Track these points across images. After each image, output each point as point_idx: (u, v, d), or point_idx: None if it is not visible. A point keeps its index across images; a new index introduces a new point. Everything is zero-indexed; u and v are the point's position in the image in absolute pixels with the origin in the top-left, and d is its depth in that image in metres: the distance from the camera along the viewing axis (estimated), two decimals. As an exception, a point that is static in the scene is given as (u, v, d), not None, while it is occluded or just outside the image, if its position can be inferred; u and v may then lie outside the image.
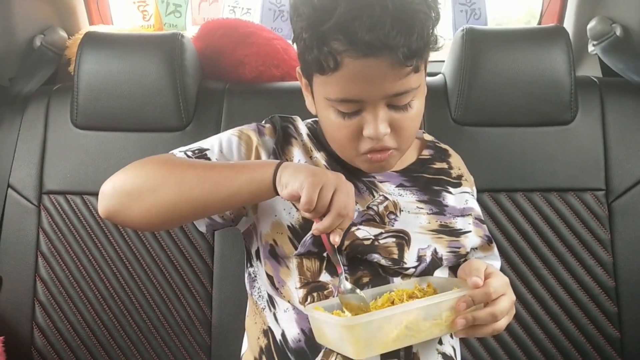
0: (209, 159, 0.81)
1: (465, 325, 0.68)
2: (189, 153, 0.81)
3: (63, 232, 1.12)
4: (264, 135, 0.84)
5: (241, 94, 1.19)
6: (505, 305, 0.70)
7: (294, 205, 0.77)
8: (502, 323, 0.71)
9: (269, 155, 0.82)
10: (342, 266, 0.72)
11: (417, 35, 0.69)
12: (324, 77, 0.72)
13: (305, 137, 0.85)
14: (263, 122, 0.88)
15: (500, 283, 0.71)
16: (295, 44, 0.76)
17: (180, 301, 1.08)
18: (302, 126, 0.87)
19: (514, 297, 0.73)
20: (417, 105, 0.76)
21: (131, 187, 0.75)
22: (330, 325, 0.67)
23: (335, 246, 0.70)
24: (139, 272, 1.09)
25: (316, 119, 0.90)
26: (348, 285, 0.72)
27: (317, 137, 0.86)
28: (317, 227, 0.69)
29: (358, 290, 0.71)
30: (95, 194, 1.11)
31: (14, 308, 1.09)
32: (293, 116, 0.89)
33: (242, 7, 1.48)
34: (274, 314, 0.80)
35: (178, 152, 0.82)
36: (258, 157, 0.82)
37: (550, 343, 1.05)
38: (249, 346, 0.83)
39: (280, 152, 0.83)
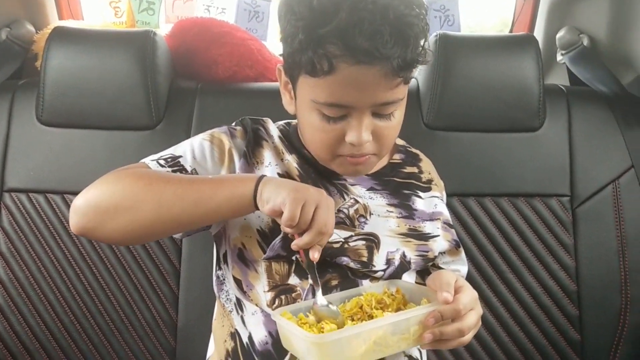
0: (182, 166, 0.79)
1: (432, 339, 0.68)
2: (162, 162, 0.79)
3: (24, 232, 1.08)
4: (235, 137, 0.83)
5: (214, 93, 1.18)
6: (472, 320, 0.71)
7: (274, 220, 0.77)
8: (468, 337, 0.71)
9: (240, 158, 0.81)
10: (319, 283, 0.72)
11: (412, 47, 0.70)
12: (314, 79, 0.71)
13: (276, 140, 0.85)
14: (234, 124, 0.87)
15: (470, 299, 0.71)
16: (284, 42, 0.75)
17: (145, 303, 1.06)
18: (274, 128, 0.86)
19: (481, 311, 0.74)
20: (399, 115, 0.77)
21: (107, 204, 0.72)
22: (298, 338, 0.66)
23: (315, 262, 0.70)
24: (103, 273, 1.07)
25: (288, 121, 0.89)
26: (324, 301, 0.71)
27: (289, 139, 0.86)
28: (297, 242, 0.69)
29: (333, 307, 0.71)
30: (60, 193, 1.11)
31: (-30, 310, 1.06)
32: (264, 118, 0.88)
33: (217, 6, 1.47)
34: (242, 317, 0.79)
35: (150, 160, 0.80)
36: (231, 160, 0.81)
37: (514, 345, 1.06)
38: (216, 349, 0.82)
39: (251, 154, 0.82)
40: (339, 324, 0.70)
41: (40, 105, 1.11)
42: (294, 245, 0.69)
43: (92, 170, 1.08)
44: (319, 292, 0.71)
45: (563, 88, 1.19)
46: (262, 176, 0.72)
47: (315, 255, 0.69)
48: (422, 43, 0.72)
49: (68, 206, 1.09)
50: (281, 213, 0.67)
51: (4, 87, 1.18)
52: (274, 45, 1.41)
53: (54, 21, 1.41)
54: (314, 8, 0.69)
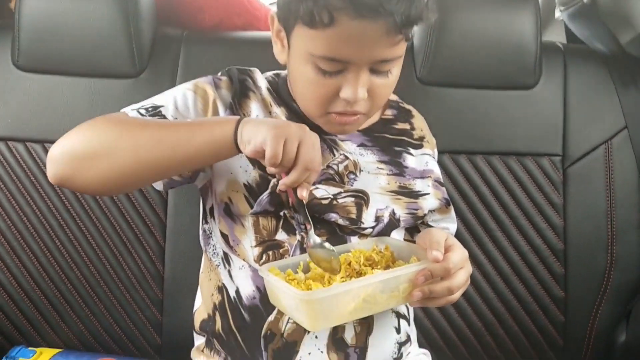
0: (164, 116, 0.76)
1: (422, 297, 0.68)
2: (142, 111, 0.76)
3: (4, 181, 1.05)
4: (220, 88, 0.80)
5: (200, 42, 1.14)
6: (462, 279, 0.71)
7: (254, 161, 0.75)
8: (457, 295, 0.72)
9: (226, 110, 0.78)
10: (310, 221, 0.70)
11: (417, 4, 0.67)
12: (312, 30, 0.68)
13: (264, 91, 0.82)
14: (219, 74, 0.83)
15: (460, 257, 0.71)
16: None
17: (131, 255, 1.05)
18: (261, 79, 0.83)
19: (470, 270, 0.74)
20: (396, 73, 0.75)
21: (83, 151, 0.69)
22: (286, 294, 0.65)
23: (304, 201, 0.68)
24: (87, 224, 1.05)
25: (277, 71, 0.86)
26: (317, 239, 0.70)
27: (278, 91, 0.83)
28: (284, 181, 0.66)
29: (327, 244, 0.70)
30: (40, 142, 1.08)
31: (-49, 259, 1.04)
32: (251, 68, 0.84)
33: (204, -51, 1.40)
34: (229, 271, 0.78)
35: (130, 110, 0.77)
36: (216, 112, 0.78)
37: (499, 302, 1.08)
38: (203, 302, 0.82)
39: (238, 106, 0.79)
40: (334, 263, 0.69)
41: (15, 49, 1.06)
42: (281, 184, 0.66)
43: (73, 119, 1.04)
44: (312, 231, 0.70)
45: (560, 46, 1.16)
46: (242, 117, 0.69)
47: (303, 193, 0.66)
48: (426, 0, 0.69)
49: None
50: (264, 153, 0.64)
51: (-23, 29, 1.12)
52: (263, -8, 1.36)
53: (30, -41, 1.33)
54: None
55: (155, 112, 0.76)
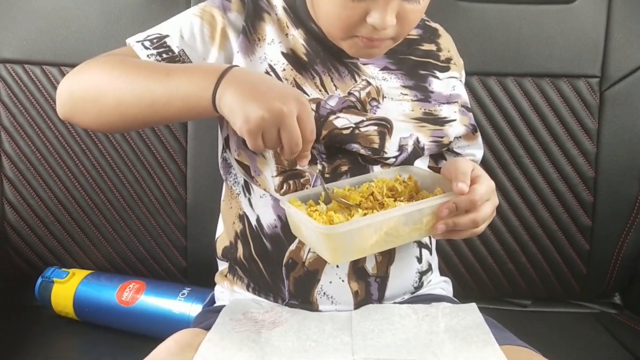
0: (169, 47, 0.73)
1: (445, 230, 0.67)
2: (147, 43, 0.73)
3: (25, 106, 1.05)
4: (229, 11, 0.75)
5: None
6: (487, 211, 0.69)
7: None
8: (482, 228, 0.70)
9: (239, 35, 0.74)
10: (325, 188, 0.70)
11: None
12: None
13: (280, 11, 0.77)
14: None
15: (486, 189, 0.68)
16: None
17: (154, 180, 1.05)
18: None
19: (497, 202, 0.72)
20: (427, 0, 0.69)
21: (77, 95, 0.71)
22: (308, 227, 0.65)
23: (305, 167, 0.66)
24: (110, 150, 1.05)
25: None
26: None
27: (295, 11, 0.77)
28: (281, 155, 0.65)
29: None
30: (56, 65, 1.05)
31: (-20, 184, 1.06)
32: None
33: None
34: (249, 200, 0.78)
35: (135, 42, 0.74)
36: (225, 38, 0.74)
37: (523, 229, 1.07)
38: (225, 230, 0.83)
39: (251, 29, 0.75)
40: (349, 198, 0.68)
41: (24, -35, 1.02)
42: (280, 153, 0.65)
43: (87, 40, 1.03)
44: (324, 185, 0.70)
45: (608, -48, 1.05)
46: (220, 78, 0.63)
47: (302, 163, 0.65)
48: None
49: (67, 79, 1.04)
50: None
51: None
52: None
53: None
54: None
55: (160, 43, 0.73)
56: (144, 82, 0.67)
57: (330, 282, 0.74)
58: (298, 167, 0.74)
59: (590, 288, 1.09)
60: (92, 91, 0.70)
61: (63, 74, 1.04)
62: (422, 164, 0.82)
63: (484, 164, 1.02)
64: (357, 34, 0.69)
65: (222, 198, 0.84)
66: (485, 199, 0.69)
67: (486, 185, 0.69)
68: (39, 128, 1.05)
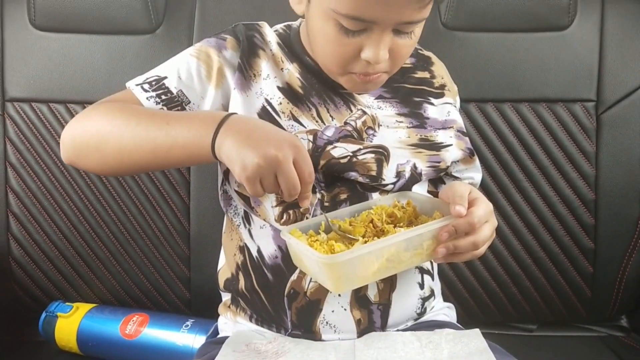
0: (167, 88, 0.75)
1: (446, 254, 0.68)
2: (146, 86, 0.76)
3: (31, 142, 1.07)
4: (225, 49, 0.78)
5: (215, -7, 1.10)
6: (487, 233, 0.69)
7: None
8: (482, 250, 0.70)
9: (235, 72, 0.76)
10: (326, 217, 0.71)
11: None
12: None
13: (274, 47, 0.79)
14: (223, 33, 0.80)
15: (484, 211, 0.69)
16: None
17: (157, 213, 1.07)
18: (270, 33, 0.80)
19: (496, 223, 0.72)
20: (418, 33, 0.71)
21: (80, 142, 0.73)
22: (309, 258, 0.65)
23: (308, 210, 0.68)
24: (114, 184, 1.07)
25: (288, 23, 0.83)
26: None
27: (290, 45, 0.79)
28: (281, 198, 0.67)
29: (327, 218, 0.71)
30: (63, 102, 1.08)
31: (-14, 220, 1.08)
32: (259, 22, 0.81)
33: None
34: (249, 231, 0.78)
35: (135, 85, 0.76)
36: (222, 76, 0.76)
37: (526, 253, 1.06)
38: (227, 262, 0.83)
39: (247, 66, 0.77)
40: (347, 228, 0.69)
41: (31, 7, 1.05)
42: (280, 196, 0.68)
43: (93, 78, 1.06)
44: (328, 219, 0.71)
45: (598, -20, 1.08)
46: (219, 127, 0.65)
47: (303, 204, 0.66)
48: None
49: (72, 116, 1.07)
50: None
51: (-9, -13, 1.11)
52: None
53: None
54: None
55: (159, 85, 0.75)
56: (145, 131, 0.69)
57: (333, 311, 0.74)
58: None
59: (596, 311, 1.08)
60: (94, 139, 0.72)
61: (69, 111, 1.07)
62: (420, 189, 0.83)
63: (484, 188, 1.03)
64: (352, 70, 0.71)
65: (223, 230, 0.85)
66: (484, 220, 0.69)
67: (484, 207, 0.70)
68: (44, 164, 1.07)
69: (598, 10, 1.04)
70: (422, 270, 0.80)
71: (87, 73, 1.06)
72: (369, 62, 0.69)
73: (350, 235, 0.69)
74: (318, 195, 0.76)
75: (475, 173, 0.89)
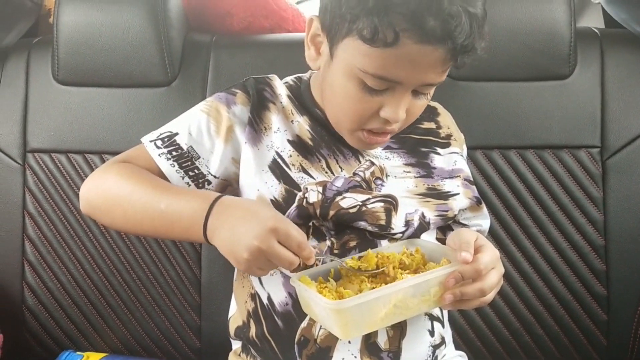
0: (178, 144, 0.78)
1: (453, 300, 0.68)
2: (159, 142, 0.79)
3: (49, 191, 1.10)
4: (234, 105, 0.80)
5: (229, 46, 1.15)
6: (494, 280, 0.70)
7: (279, 176, 0.77)
8: (490, 296, 0.71)
9: (245, 127, 0.79)
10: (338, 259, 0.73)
11: (477, 32, 0.66)
12: (367, 47, 0.66)
13: (284, 100, 0.82)
14: (234, 87, 0.83)
15: (490, 257, 0.70)
16: None
17: (169, 260, 1.08)
18: (281, 86, 0.83)
19: (502, 270, 0.73)
20: (432, 93, 0.75)
21: (95, 202, 0.78)
22: (317, 304, 0.66)
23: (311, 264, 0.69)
24: (128, 232, 1.09)
25: (299, 75, 0.86)
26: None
27: (300, 97, 0.82)
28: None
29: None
30: (81, 152, 1.12)
31: (3, 268, 1.09)
32: (269, 76, 0.84)
33: (229, -47, 1.41)
34: (259, 278, 0.79)
35: (148, 142, 0.80)
36: (230, 132, 0.79)
37: (538, 300, 1.05)
38: (238, 309, 0.84)
39: (258, 120, 0.79)
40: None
41: (55, 64, 1.11)
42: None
43: (111, 129, 1.10)
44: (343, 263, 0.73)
45: (597, 31, 1.11)
46: (207, 218, 0.69)
47: (309, 262, 0.68)
48: (485, 28, 0.68)
49: (89, 166, 1.10)
50: None
51: (19, 46, 1.17)
52: (289, -7, 1.36)
53: (65, -25, 1.37)
54: None
55: (170, 141, 0.78)
56: (144, 210, 0.73)
57: (343, 359, 0.74)
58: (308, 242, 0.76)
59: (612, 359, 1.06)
60: (106, 204, 0.76)
61: (86, 161, 1.10)
62: (429, 237, 0.83)
63: (493, 235, 1.04)
64: (367, 126, 0.73)
65: (234, 277, 0.86)
66: (490, 267, 0.70)
67: (490, 254, 0.70)
68: (61, 212, 1.10)
69: (597, 60, 1.07)
70: (432, 318, 0.80)
71: (105, 124, 1.10)
72: (387, 120, 0.71)
73: (362, 270, 0.70)
74: (328, 243, 0.77)
75: (483, 220, 0.90)
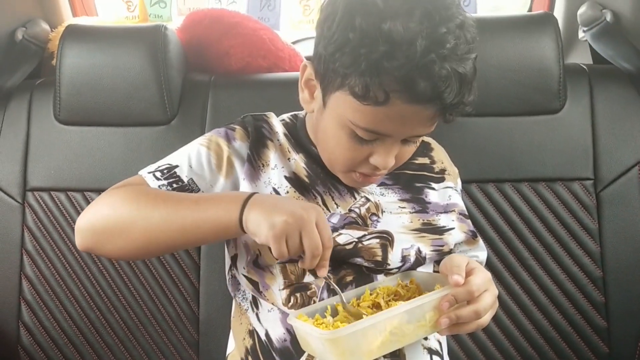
0: (179, 177, 0.78)
1: (449, 324, 0.68)
2: (158, 174, 0.79)
3: (48, 230, 1.11)
4: (234, 140, 0.81)
5: (227, 86, 1.18)
6: (488, 301, 0.70)
7: None
8: (486, 319, 0.70)
9: (244, 163, 0.80)
10: (340, 293, 0.73)
11: (469, 91, 0.68)
12: (358, 103, 0.67)
13: (281, 137, 0.83)
14: (233, 123, 0.84)
15: (482, 279, 0.70)
16: (326, 46, 0.68)
17: (167, 297, 1.08)
18: (278, 124, 0.84)
19: (496, 292, 0.73)
20: (420, 139, 0.77)
21: (101, 228, 0.74)
22: (313, 337, 0.66)
23: (322, 278, 0.69)
24: (126, 269, 1.08)
25: (295, 113, 0.88)
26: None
27: (296, 135, 0.83)
28: (301, 265, 0.69)
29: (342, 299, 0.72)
30: (81, 190, 1.13)
31: (-1, 307, 1.09)
32: (267, 113, 0.86)
33: (228, -4, 1.46)
34: (257, 314, 0.79)
35: (147, 173, 0.79)
36: (231, 166, 0.80)
37: (538, 333, 1.05)
38: (236, 346, 0.83)
39: (256, 156, 0.80)
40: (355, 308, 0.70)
41: (57, 104, 1.13)
42: (300, 264, 0.70)
43: (110, 167, 1.12)
44: (343, 298, 0.72)
45: (585, 67, 1.15)
46: (246, 201, 0.69)
47: (321, 273, 0.68)
48: (474, 85, 0.69)
49: (88, 203, 1.10)
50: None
51: (22, 87, 1.20)
52: (286, 33, 1.40)
53: (69, 19, 1.42)
54: (383, 33, 0.63)
55: (170, 173, 0.79)
56: (174, 210, 0.72)
57: (342, 395, 0.73)
58: (305, 279, 0.77)
59: (617, 394, 1.05)
60: (119, 225, 0.73)
61: (85, 198, 1.11)
62: (426, 270, 0.83)
63: (490, 268, 1.04)
64: (358, 170, 0.75)
65: (232, 315, 0.85)
66: (483, 289, 0.70)
67: (482, 276, 0.70)
68: (59, 250, 1.10)
69: (587, 94, 1.10)
70: (431, 351, 0.79)
71: (105, 162, 1.12)
72: (378, 168, 0.73)
73: (361, 310, 0.70)
74: (324, 280, 0.77)
75: (479, 252, 0.90)
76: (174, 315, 1.07)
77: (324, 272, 0.68)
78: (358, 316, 0.70)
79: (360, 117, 0.69)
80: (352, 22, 0.66)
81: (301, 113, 0.88)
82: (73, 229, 1.08)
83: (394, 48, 0.63)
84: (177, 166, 0.79)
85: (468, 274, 0.70)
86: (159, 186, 0.78)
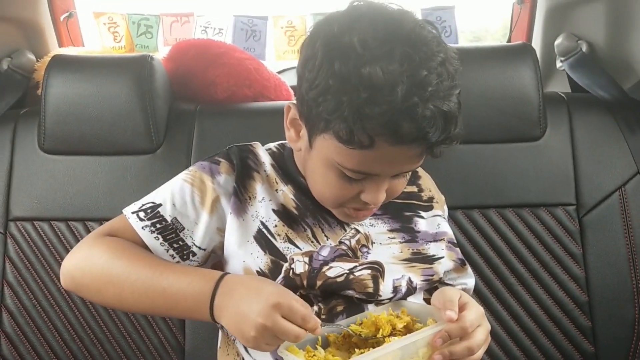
0: (162, 216, 0.77)
1: None
2: (142, 214, 0.78)
3: (30, 260, 1.09)
4: (219, 174, 0.79)
5: (213, 114, 1.18)
6: (481, 337, 0.70)
7: (265, 247, 0.77)
8: (479, 354, 0.70)
9: (230, 197, 0.78)
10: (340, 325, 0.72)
11: (453, 129, 0.67)
12: (344, 147, 0.67)
13: (268, 168, 0.81)
14: (217, 155, 0.82)
15: (476, 314, 0.70)
16: (309, 89, 0.68)
17: (152, 328, 1.06)
18: (264, 154, 0.83)
19: (489, 327, 0.73)
20: (411, 172, 0.77)
21: (81, 282, 0.77)
22: None
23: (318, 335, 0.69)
24: (109, 300, 1.07)
25: (282, 142, 0.86)
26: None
27: (284, 166, 0.83)
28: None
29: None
30: (65, 220, 1.11)
31: (-22, 341, 1.06)
32: (252, 143, 0.84)
33: (214, 27, 1.48)
34: (243, 346, 0.78)
35: (131, 213, 0.78)
36: (215, 202, 0.78)
37: (526, 359, 1.05)
38: (222, 377, 0.81)
39: (243, 190, 0.79)
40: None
41: (41, 133, 1.12)
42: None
43: (95, 196, 1.11)
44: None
45: (563, 96, 1.18)
46: (214, 294, 0.69)
47: (316, 333, 0.67)
48: (459, 121, 0.69)
49: (72, 233, 1.10)
50: None
51: (6, 117, 1.19)
52: (272, 63, 1.42)
53: (55, 49, 1.43)
54: (363, 79, 0.63)
55: (154, 213, 0.77)
56: (144, 290, 0.72)
57: None
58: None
59: (607, 422, 1.04)
60: (94, 284, 0.75)
61: (69, 228, 1.10)
62: (416, 298, 0.83)
63: (477, 293, 1.04)
64: (349, 205, 0.75)
65: (219, 345, 0.84)
66: (476, 324, 0.70)
67: (475, 311, 0.71)
68: (41, 281, 1.08)
69: (566, 122, 1.12)
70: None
71: (90, 192, 1.11)
72: (368, 204, 0.73)
73: (359, 334, 0.70)
74: (315, 308, 0.76)
75: (468, 279, 0.90)
76: (159, 346, 1.05)
77: (317, 332, 0.67)
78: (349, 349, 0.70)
79: (347, 160, 0.69)
80: (331, 67, 0.65)
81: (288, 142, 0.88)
82: (56, 260, 1.08)
83: (375, 94, 0.63)
84: (160, 205, 0.78)
85: (461, 309, 0.70)
86: (142, 227, 0.77)
